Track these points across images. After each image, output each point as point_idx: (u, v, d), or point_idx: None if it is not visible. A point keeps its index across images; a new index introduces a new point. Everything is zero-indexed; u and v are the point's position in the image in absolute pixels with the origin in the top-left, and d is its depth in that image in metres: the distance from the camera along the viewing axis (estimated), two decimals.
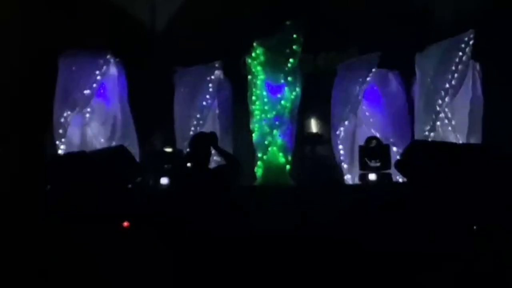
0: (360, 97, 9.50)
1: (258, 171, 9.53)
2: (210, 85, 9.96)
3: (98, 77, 9.70)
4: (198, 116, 9.85)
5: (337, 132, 9.44)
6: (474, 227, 7.30)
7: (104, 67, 9.75)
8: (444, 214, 7.33)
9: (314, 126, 10.64)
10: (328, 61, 10.50)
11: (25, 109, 9.65)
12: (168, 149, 9.25)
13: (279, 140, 9.56)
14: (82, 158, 8.06)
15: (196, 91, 9.95)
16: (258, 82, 9.74)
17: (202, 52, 10.19)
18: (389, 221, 7.42)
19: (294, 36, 9.68)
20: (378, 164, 8.98)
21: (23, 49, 9.75)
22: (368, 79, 9.53)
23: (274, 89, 9.71)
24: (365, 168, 9.05)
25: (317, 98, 10.08)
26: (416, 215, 7.37)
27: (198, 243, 6.57)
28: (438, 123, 9.14)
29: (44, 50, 9.76)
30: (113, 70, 9.86)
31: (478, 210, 7.32)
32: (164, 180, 8.99)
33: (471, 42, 9.10)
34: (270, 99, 9.69)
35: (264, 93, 9.69)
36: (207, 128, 9.50)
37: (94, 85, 9.68)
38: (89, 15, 10.20)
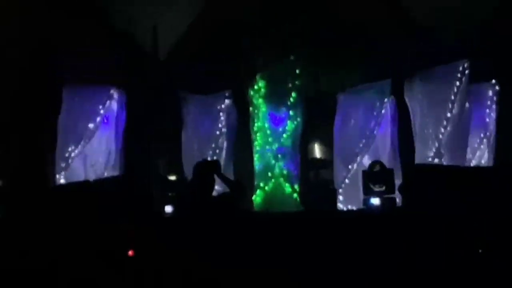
0: (375, 132, 9.47)
1: (257, 199, 9.56)
2: (221, 113, 9.99)
3: (102, 111, 9.78)
4: (213, 145, 9.90)
5: (349, 167, 9.45)
6: (480, 251, 7.28)
7: (108, 102, 9.83)
8: (449, 238, 7.31)
9: (317, 151, 10.67)
10: (330, 86, 10.56)
11: (27, 134, 9.72)
12: (172, 177, 9.28)
13: (284, 171, 9.62)
14: (86, 188, 8.09)
15: (208, 120, 9.97)
16: (260, 114, 9.81)
17: (211, 81, 10.22)
18: (393, 245, 7.40)
19: (297, 71, 9.74)
20: (382, 189, 8.98)
21: (25, 78, 9.81)
22: (383, 111, 9.50)
23: (276, 121, 9.76)
24: (369, 192, 9.05)
25: (318, 123, 10.12)
26: (420, 239, 7.35)
27: (203, 270, 6.57)
28: (442, 151, 9.15)
29: (49, 80, 9.84)
30: (114, 104, 9.93)
31: (483, 233, 7.30)
32: (168, 208, 9.01)
33: (466, 72, 9.14)
34: (273, 131, 9.75)
35: (267, 124, 9.77)
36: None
37: (98, 118, 9.75)
38: (95, 46, 10.27)
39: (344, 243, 7.49)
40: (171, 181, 9.27)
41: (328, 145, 10.26)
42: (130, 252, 7.57)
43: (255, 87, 9.91)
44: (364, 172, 9.19)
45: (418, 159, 9.27)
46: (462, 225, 7.34)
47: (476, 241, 7.26)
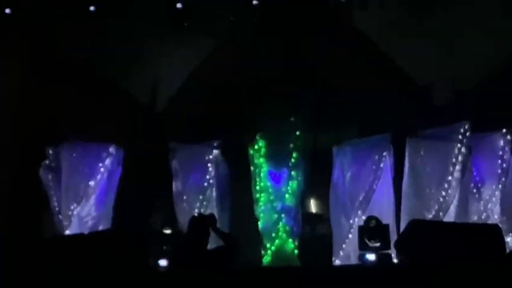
0: (375, 187, 9.49)
1: (267, 259, 9.59)
2: (209, 164, 10.01)
3: (102, 169, 9.82)
4: (201, 197, 9.89)
5: (351, 221, 9.43)
6: None
7: (107, 160, 9.88)
8: None
9: (313, 206, 10.67)
10: (327, 141, 10.58)
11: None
12: (167, 231, 9.25)
13: (287, 227, 9.64)
14: (80, 241, 8.04)
15: (195, 171, 10.00)
16: (262, 174, 9.85)
17: (199, 131, 10.25)
18: None
19: (297, 133, 9.81)
20: (377, 244, 8.94)
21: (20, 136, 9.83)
22: (381, 165, 9.52)
23: (278, 178, 9.80)
24: (364, 248, 9.01)
25: (315, 177, 10.14)
26: None
27: None
28: (441, 213, 9.13)
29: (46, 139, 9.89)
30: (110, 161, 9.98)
31: None
32: (163, 262, 8.96)
33: (467, 133, 9.18)
34: (275, 189, 9.80)
35: (269, 183, 9.81)
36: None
37: (98, 176, 9.77)
38: (92, 105, 10.31)
39: None
40: (166, 234, 9.23)
41: (324, 200, 10.26)
42: None
43: (255, 146, 9.96)
44: (360, 227, 9.17)
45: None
46: (459, 281, 7.31)
47: None
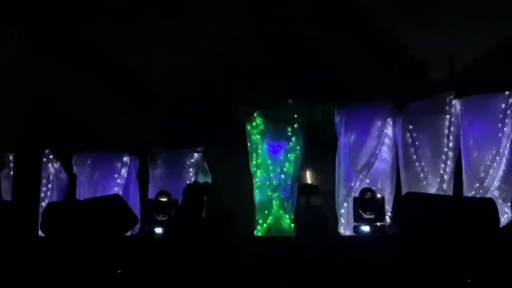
0: (377, 152, 9.48)
1: (261, 232, 9.63)
2: (191, 169, 9.96)
3: (118, 180, 9.78)
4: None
5: (352, 184, 9.49)
6: (468, 281, 7.31)
7: (123, 170, 9.83)
8: (438, 267, 7.33)
9: (309, 177, 10.68)
10: (325, 113, 10.53)
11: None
12: (163, 199, 9.26)
13: (284, 202, 9.67)
14: (77, 206, 8.08)
15: (176, 175, 9.92)
16: (259, 150, 9.83)
17: (183, 135, 10.18)
18: (382, 273, 7.41)
19: (295, 116, 9.80)
20: (372, 216, 8.99)
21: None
22: (385, 131, 9.49)
23: (276, 150, 9.79)
24: (359, 219, 9.06)
25: (312, 149, 10.15)
26: (409, 268, 7.37)
27: None
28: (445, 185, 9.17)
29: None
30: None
31: (472, 263, 7.33)
32: (158, 230, 9.00)
33: (453, 102, 9.15)
34: (273, 161, 9.79)
35: (266, 157, 9.80)
36: None
37: (116, 188, 9.72)
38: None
39: (332, 270, 7.52)
40: (162, 202, 9.24)
41: (319, 172, 10.29)
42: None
43: (253, 123, 9.94)
44: (355, 198, 9.21)
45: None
46: (451, 254, 7.38)
47: (465, 271, 7.30)
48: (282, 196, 9.81)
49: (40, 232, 8.21)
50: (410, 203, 8.21)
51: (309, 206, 9.46)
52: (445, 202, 8.50)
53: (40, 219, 8.11)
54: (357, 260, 7.61)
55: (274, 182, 9.84)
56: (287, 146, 9.84)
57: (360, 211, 9.03)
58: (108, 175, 9.76)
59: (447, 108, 9.20)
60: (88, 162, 9.76)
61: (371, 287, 7.33)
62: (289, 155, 9.86)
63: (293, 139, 9.84)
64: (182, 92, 10.49)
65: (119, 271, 7.58)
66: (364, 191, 9.17)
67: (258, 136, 9.90)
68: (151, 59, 10.62)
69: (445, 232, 7.58)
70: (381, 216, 8.96)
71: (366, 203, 9.04)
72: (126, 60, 10.59)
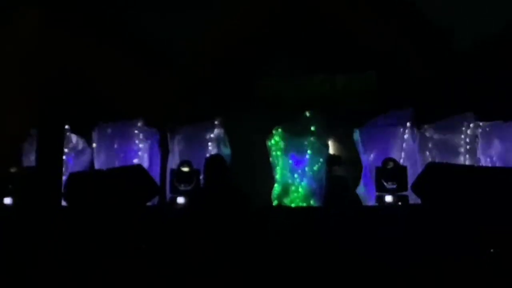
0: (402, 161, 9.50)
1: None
2: (210, 143, 9.90)
3: (140, 153, 9.75)
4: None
5: None
6: (491, 250, 7.27)
7: (143, 142, 9.78)
8: (460, 238, 7.30)
9: (332, 147, 10.62)
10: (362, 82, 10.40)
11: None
12: (185, 169, 9.27)
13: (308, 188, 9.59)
14: (99, 176, 8.11)
15: (197, 148, 9.84)
16: (282, 164, 9.72)
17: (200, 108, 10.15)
18: (404, 243, 7.40)
19: (312, 128, 9.72)
20: (394, 186, 8.96)
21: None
22: (405, 136, 9.54)
23: (299, 162, 9.72)
24: (381, 189, 9.04)
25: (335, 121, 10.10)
26: (432, 238, 7.34)
27: (214, 262, 6.59)
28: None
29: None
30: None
31: (495, 233, 7.28)
32: (180, 199, 9.03)
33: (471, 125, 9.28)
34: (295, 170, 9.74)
35: (292, 172, 9.71)
36: None
37: (136, 160, 9.70)
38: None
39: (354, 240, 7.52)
40: (184, 172, 9.24)
41: (342, 141, 10.24)
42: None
43: (272, 141, 9.85)
44: (377, 168, 9.18)
45: None
46: (475, 225, 7.33)
47: (488, 241, 7.25)
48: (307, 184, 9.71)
49: (63, 202, 8.25)
50: (434, 173, 8.16)
51: (332, 176, 9.44)
52: (470, 172, 8.43)
53: (63, 189, 8.13)
54: (379, 230, 7.60)
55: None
56: (309, 159, 9.74)
57: (383, 181, 9.01)
58: (128, 147, 9.76)
59: (464, 128, 9.29)
60: (108, 133, 9.77)
61: (394, 257, 7.32)
62: (313, 167, 9.75)
63: (313, 151, 9.75)
64: (203, 65, 10.44)
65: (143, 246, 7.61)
66: (386, 161, 9.14)
67: (278, 153, 9.79)
68: (174, 31, 10.53)
69: (469, 201, 7.53)
70: (403, 186, 8.92)
71: (389, 173, 9.02)
72: (147, 31, 10.52)
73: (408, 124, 9.53)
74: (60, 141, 8.72)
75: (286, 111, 10.20)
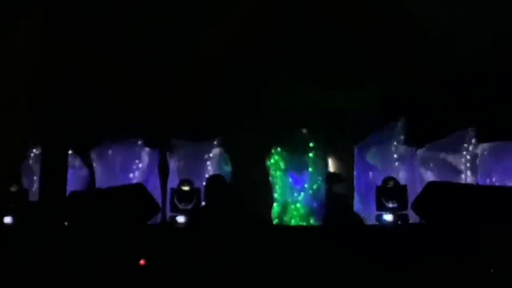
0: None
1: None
2: (209, 163, 9.91)
3: (138, 172, 9.69)
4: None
5: None
6: (492, 270, 7.26)
7: (143, 161, 9.73)
8: (461, 256, 7.30)
9: (332, 165, 10.63)
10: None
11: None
12: (185, 187, 9.28)
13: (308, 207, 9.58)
14: (99, 195, 8.12)
15: (196, 167, 9.84)
16: (281, 183, 9.72)
17: (203, 126, 10.12)
18: (405, 262, 7.39)
19: (311, 144, 9.73)
20: (395, 205, 8.96)
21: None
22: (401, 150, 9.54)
23: (298, 180, 9.72)
24: (381, 208, 9.03)
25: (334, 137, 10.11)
26: (432, 257, 7.34)
27: (214, 280, 6.59)
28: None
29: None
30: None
31: (496, 252, 7.28)
32: (180, 218, 9.02)
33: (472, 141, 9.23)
34: (297, 193, 9.72)
35: (291, 191, 9.70)
36: None
37: (136, 180, 9.63)
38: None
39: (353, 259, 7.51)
40: (184, 191, 9.25)
41: (341, 158, 10.24)
42: (142, 261, 7.60)
43: (272, 160, 9.86)
44: (377, 187, 9.17)
45: None
46: (475, 243, 7.33)
47: (489, 260, 7.25)
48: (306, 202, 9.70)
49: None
50: (434, 192, 8.16)
51: (332, 194, 9.43)
52: (470, 191, 8.44)
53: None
54: (379, 249, 7.59)
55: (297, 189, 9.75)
56: (309, 177, 9.74)
57: (383, 200, 9.00)
58: (128, 166, 9.76)
59: (466, 145, 9.25)
60: (109, 152, 9.76)
61: (393, 276, 7.31)
62: (312, 185, 9.74)
63: (312, 168, 9.75)
64: (203, 79, 10.46)
65: (142, 261, 7.60)
66: (387, 179, 9.14)
67: (278, 172, 9.79)
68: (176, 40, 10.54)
69: (469, 221, 7.53)
70: (404, 204, 8.92)
71: (389, 192, 9.01)
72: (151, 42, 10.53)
73: (401, 137, 9.54)
74: (64, 160, 8.76)
75: (286, 122, 10.16)
